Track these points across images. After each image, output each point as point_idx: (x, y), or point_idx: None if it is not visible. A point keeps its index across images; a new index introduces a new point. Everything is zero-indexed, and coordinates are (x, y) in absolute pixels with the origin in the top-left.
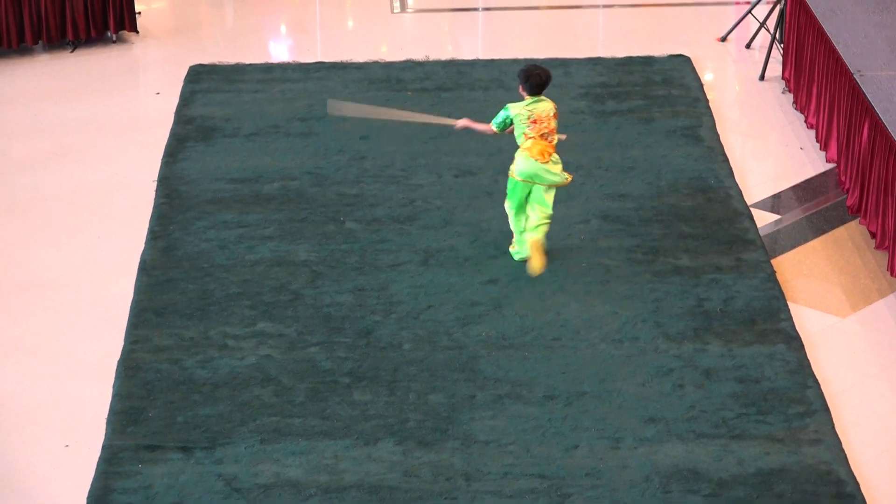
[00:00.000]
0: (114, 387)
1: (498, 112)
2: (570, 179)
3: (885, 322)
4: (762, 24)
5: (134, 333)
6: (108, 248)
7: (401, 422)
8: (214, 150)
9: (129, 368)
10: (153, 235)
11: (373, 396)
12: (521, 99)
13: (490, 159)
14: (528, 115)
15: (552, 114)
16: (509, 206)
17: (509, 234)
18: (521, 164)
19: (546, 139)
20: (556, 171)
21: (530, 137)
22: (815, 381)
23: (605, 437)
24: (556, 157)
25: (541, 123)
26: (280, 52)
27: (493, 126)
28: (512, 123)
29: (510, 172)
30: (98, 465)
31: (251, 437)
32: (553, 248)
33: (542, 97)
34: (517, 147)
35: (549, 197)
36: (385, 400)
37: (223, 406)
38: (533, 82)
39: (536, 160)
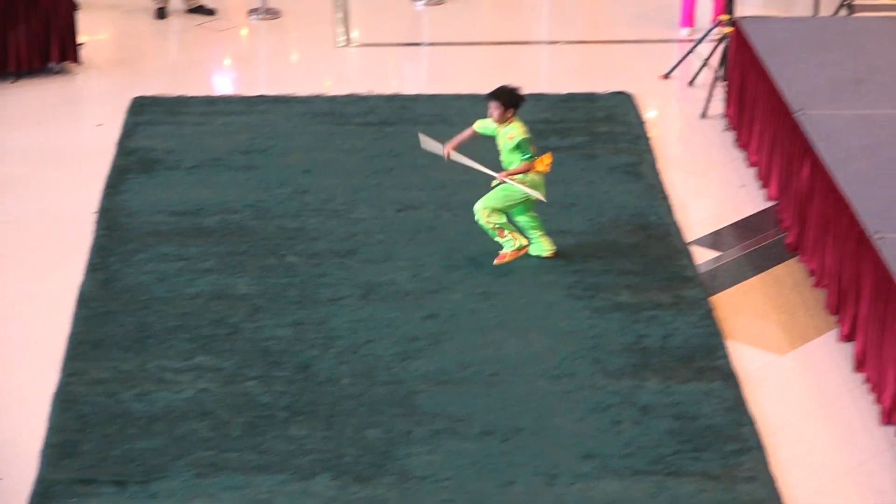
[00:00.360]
0: (49, 420)
1: (522, 147)
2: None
3: (822, 360)
4: (705, 62)
5: (70, 366)
6: (48, 279)
7: (337, 457)
8: (156, 183)
9: (65, 401)
10: (92, 267)
11: (310, 431)
12: (504, 121)
13: (432, 194)
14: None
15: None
16: (499, 217)
17: (449, 270)
18: (539, 180)
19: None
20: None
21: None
22: (752, 418)
23: (541, 474)
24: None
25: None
26: (223, 84)
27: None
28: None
29: (521, 184)
30: (31, 499)
31: (187, 472)
32: (493, 283)
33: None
34: (455, 182)
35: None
36: (322, 434)
37: (159, 440)
38: (520, 103)
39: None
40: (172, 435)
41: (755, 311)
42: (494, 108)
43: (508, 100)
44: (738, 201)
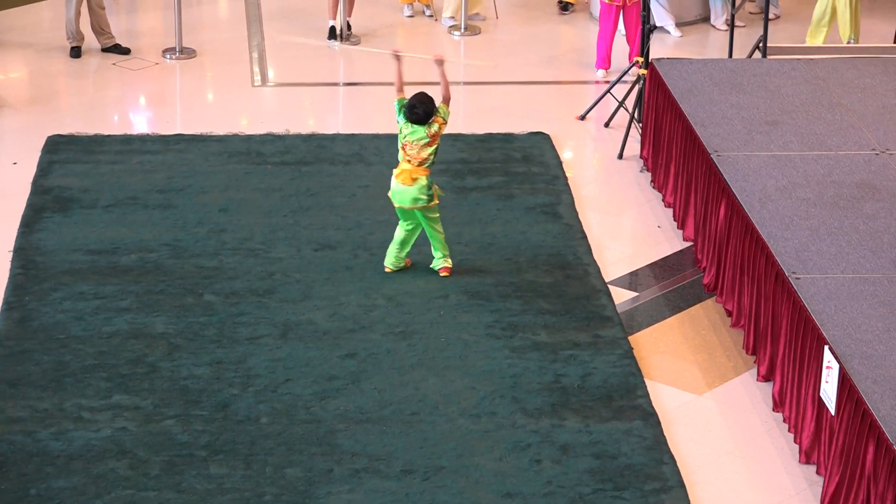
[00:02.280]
0: None
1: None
2: (434, 203)
3: (740, 399)
4: (621, 104)
5: None
6: None
7: (257, 495)
8: (72, 221)
9: None
10: (8, 306)
11: (229, 470)
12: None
13: (349, 233)
14: (401, 137)
15: (423, 143)
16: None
17: (367, 309)
18: (391, 186)
19: (420, 166)
20: (419, 195)
21: (402, 161)
22: (672, 457)
23: None
24: (423, 181)
25: (409, 150)
26: (140, 123)
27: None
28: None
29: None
30: None
31: None
32: (412, 322)
33: (418, 127)
34: (372, 222)
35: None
36: (242, 473)
37: (77, 479)
38: (406, 112)
39: (400, 183)
40: (91, 474)
41: (673, 350)
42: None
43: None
44: (655, 242)
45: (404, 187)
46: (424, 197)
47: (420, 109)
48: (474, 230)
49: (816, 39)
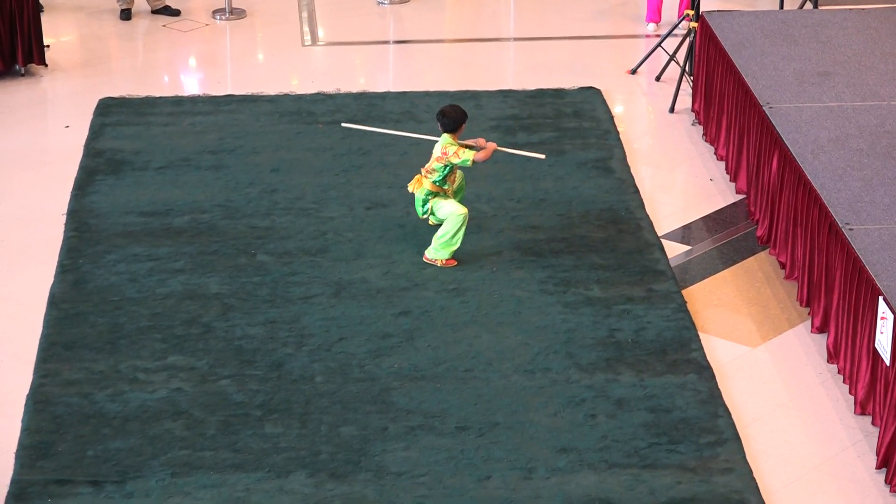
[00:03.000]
0: (23, 421)
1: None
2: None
3: (794, 351)
4: (672, 57)
5: (43, 367)
6: (18, 281)
7: (313, 454)
8: (124, 184)
9: (39, 402)
10: (62, 269)
11: (284, 429)
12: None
13: (402, 191)
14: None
15: (435, 155)
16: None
17: (420, 267)
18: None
19: (426, 176)
20: (417, 205)
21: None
22: (727, 410)
23: (517, 468)
24: (421, 192)
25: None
26: (190, 85)
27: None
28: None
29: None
30: (7, 501)
31: (162, 471)
32: (465, 279)
33: (443, 135)
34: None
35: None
36: (297, 432)
37: (134, 440)
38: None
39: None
40: (147, 435)
41: (727, 303)
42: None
43: (453, 122)
44: (708, 195)
45: (413, 191)
46: (419, 209)
47: (447, 117)
48: (526, 186)
49: None
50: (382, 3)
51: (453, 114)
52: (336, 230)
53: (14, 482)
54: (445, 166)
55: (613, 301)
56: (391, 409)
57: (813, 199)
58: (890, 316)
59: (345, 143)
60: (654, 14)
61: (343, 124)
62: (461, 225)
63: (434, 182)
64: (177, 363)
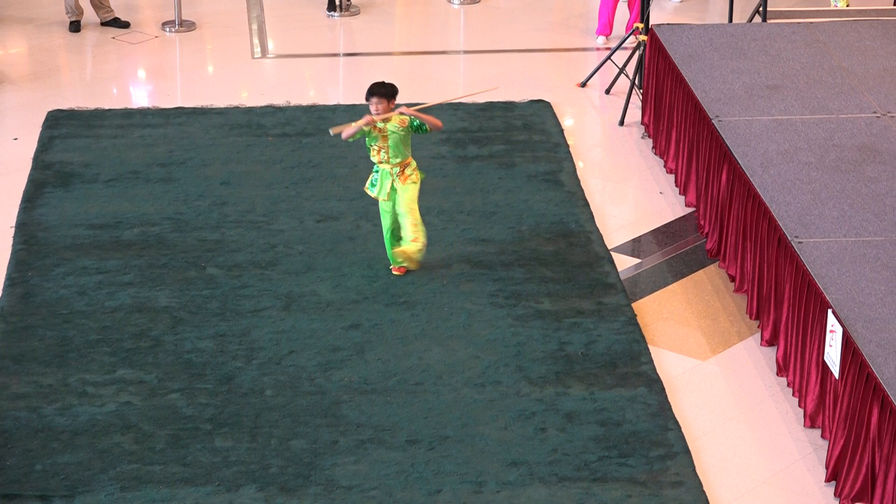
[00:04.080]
0: None
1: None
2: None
3: (744, 365)
4: (621, 70)
5: None
6: None
7: (263, 468)
8: (73, 196)
9: None
10: (11, 282)
11: (234, 443)
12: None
13: (351, 204)
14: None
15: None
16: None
17: (370, 280)
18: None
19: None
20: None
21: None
22: (676, 423)
23: (467, 482)
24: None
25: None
26: (140, 97)
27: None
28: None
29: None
30: None
31: (111, 485)
32: (415, 292)
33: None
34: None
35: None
36: (247, 446)
37: (82, 453)
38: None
39: None
40: (96, 448)
41: (677, 316)
42: (379, 104)
43: (390, 92)
44: (657, 208)
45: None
46: (377, 186)
47: (385, 86)
48: (476, 199)
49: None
50: (332, 15)
51: (391, 86)
52: (286, 243)
53: None
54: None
55: (563, 314)
56: (341, 422)
57: (762, 212)
58: (839, 329)
59: (294, 156)
60: (605, 27)
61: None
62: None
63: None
64: (126, 377)
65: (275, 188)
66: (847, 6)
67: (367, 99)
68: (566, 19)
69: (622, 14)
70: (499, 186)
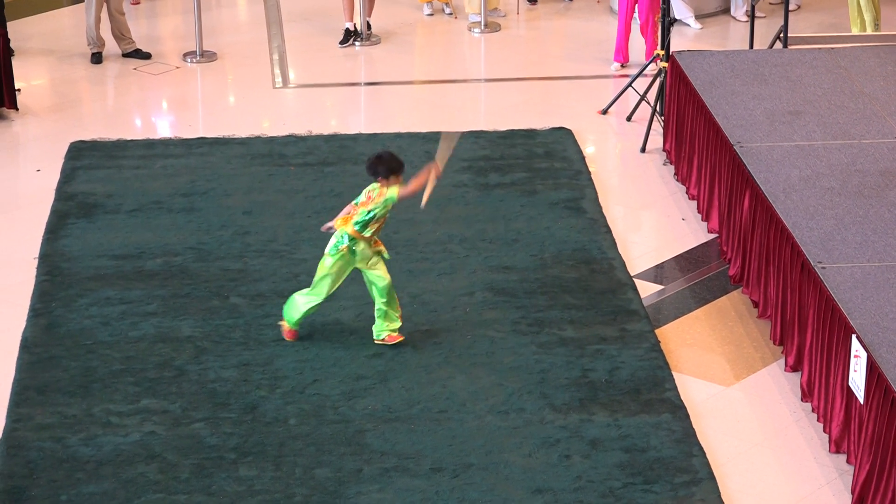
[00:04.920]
0: None
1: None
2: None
3: (768, 390)
4: (643, 97)
5: (16, 412)
6: None
7: (287, 497)
8: (96, 227)
9: (11, 447)
10: (35, 313)
11: (259, 472)
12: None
13: None
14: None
15: (361, 200)
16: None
17: None
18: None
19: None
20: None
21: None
22: (701, 449)
23: None
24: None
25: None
26: (162, 127)
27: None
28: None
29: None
30: None
31: None
32: (438, 320)
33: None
34: (397, 220)
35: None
36: (271, 475)
37: (107, 483)
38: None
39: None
40: (121, 479)
41: (700, 343)
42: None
43: (388, 169)
44: (680, 234)
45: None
46: (329, 248)
47: (381, 163)
48: (498, 227)
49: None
50: (355, 45)
51: (390, 160)
52: (309, 272)
53: None
54: (369, 211)
55: (587, 341)
56: (365, 450)
57: (785, 237)
58: (863, 354)
59: (316, 185)
60: (619, 53)
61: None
62: (392, 293)
63: (355, 225)
64: (150, 406)
65: (297, 217)
66: (876, 25)
67: (392, 175)
68: (586, 47)
69: (638, 42)
70: (521, 214)
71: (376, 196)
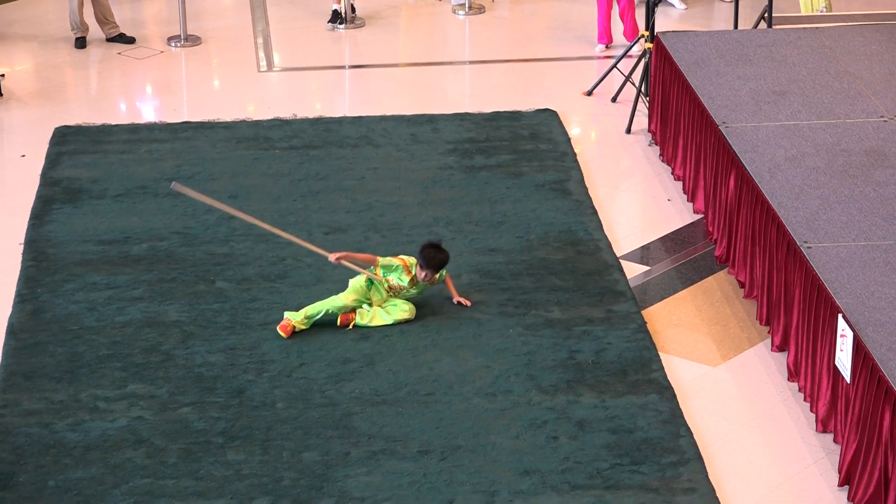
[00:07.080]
0: None
1: (392, 261)
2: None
3: (755, 370)
4: (627, 78)
5: (2, 397)
6: None
7: (275, 480)
8: (82, 212)
9: None
10: (21, 299)
11: (246, 456)
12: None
13: (359, 216)
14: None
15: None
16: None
17: None
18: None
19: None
20: None
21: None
22: (688, 430)
23: (480, 491)
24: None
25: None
26: (147, 112)
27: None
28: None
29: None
30: None
31: (124, 500)
32: (425, 303)
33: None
34: (382, 203)
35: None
36: (259, 459)
37: (95, 469)
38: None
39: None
40: (108, 464)
41: (687, 323)
42: (427, 275)
43: (439, 265)
44: (666, 215)
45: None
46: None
47: (440, 258)
48: (484, 209)
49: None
50: (338, 28)
51: (446, 260)
52: (295, 256)
53: None
54: (409, 290)
55: (573, 323)
56: (353, 433)
57: (771, 217)
58: (849, 333)
59: (302, 169)
60: (602, 35)
61: (173, 185)
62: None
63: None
64: (137, 391)
65: (283, 201)
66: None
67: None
68: (570, 28)
69: (617, 23)
70: (506, 196)
71: (418, 279)
